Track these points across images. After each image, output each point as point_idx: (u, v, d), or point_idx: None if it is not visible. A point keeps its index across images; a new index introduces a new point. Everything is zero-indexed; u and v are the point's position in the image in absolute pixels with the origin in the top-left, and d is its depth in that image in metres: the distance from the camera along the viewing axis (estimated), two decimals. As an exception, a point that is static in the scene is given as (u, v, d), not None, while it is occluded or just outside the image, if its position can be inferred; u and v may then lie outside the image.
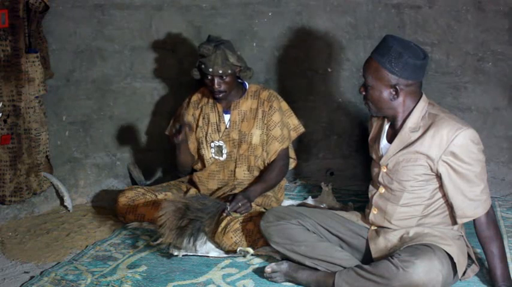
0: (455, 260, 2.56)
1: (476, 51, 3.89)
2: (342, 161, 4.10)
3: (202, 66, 3.33)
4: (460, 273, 2.64)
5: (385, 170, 2.71)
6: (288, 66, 4.05)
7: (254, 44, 4.01)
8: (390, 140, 2.72)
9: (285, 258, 2.84)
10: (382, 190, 2.74)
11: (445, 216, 2.68)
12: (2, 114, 3.48)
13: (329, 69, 4.02)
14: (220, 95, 3.39)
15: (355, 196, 3.78)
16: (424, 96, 2.67)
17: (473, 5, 3.84)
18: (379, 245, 2.72)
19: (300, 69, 4.04)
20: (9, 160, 3.53)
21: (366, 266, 2.60)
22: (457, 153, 2.55)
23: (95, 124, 3.95)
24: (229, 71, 3.33)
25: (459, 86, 3.94)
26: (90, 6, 3.84)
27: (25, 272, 2.94)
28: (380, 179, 2.74)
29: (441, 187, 2.63)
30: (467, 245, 2.72)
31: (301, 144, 4.02)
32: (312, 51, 4.02)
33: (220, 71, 3.31)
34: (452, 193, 2.59)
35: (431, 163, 2.58)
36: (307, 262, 2.75)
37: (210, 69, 3.30)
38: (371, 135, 2.87)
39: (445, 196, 2.64)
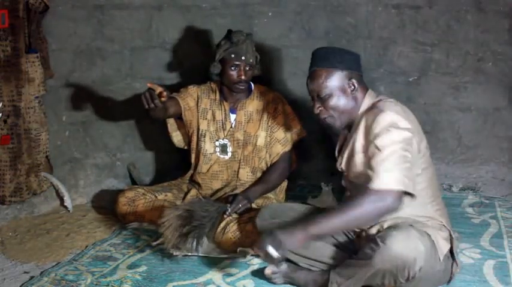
0: (433, 238, 2.50)
1: (476, 51, 3.89)
2: (342, 161, 4.09)
3: (232, 55, 3.29)
4: (441, 256, 2.54)
5: (345, 174, 2.72)
6: (288, 67, 4.04)
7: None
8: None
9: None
10: (348, 193, 2.76)
11: (416, 206, 2.55)
12: (2, 115, 3.48)
13: (329, 70, 4.02)
14: (243, 87, 3.36)
15: (355, 196, 3.77)
16: (370, 91, 2.65)
17: (473, 5, 3.84)
18: (363, 241, 2.72)
19: (300, 70, 4.03)
20: (9, 160, 3.53)
21: (354, 256, 2.60)
22: (372, 128, 2.50)
23: (94, 124, 3.96)
24: (255, 62, 3.35)
25: (459, 86, 3.94)
26: (90, 6, 3.84)
27: (25, 272, 2.94)
28: (344, 183, 2.75)
29: None
30: (451, 236, 2.63)
31: (301, 144, 4.01)
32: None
33: (251, 60, 3.31)
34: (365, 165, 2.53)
35: (364, 153, 2.54)
36: (302, 263, 2.77)
37: (243, 57, 3.29)
38: (337, 147, 2.82)
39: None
